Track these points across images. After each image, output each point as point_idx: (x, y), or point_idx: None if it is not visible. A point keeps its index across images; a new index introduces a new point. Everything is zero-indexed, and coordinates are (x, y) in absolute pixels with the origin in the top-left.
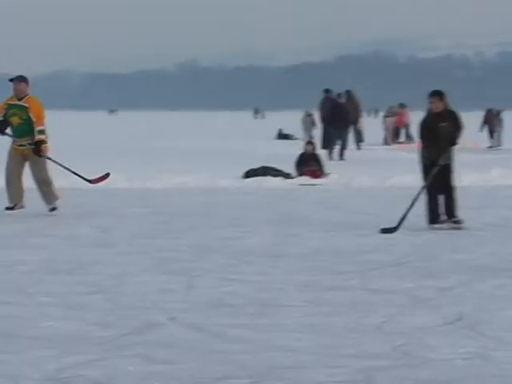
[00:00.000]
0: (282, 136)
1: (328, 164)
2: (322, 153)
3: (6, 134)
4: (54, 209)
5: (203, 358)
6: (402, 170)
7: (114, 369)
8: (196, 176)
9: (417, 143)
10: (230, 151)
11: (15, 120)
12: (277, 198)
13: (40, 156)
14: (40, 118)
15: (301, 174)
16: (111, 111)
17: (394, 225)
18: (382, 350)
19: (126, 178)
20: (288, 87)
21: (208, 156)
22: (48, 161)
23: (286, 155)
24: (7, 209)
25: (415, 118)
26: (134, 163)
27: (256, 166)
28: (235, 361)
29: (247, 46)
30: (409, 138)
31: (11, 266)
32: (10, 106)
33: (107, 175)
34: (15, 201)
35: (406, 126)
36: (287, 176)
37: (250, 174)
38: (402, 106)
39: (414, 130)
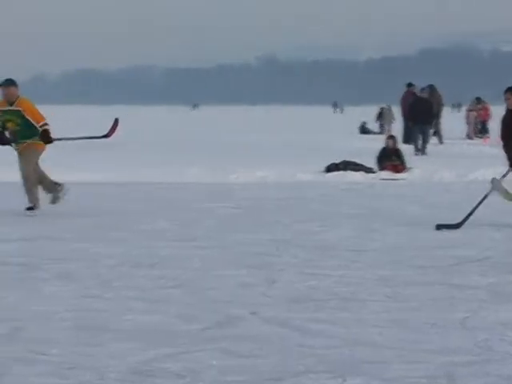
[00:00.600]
0: (365, 130)
1: (410, 158)
2: (403, 147)
3: (6, 143)
4: (30, 208)
5: (285, 353)
6: (484, 165)
7: (196, 362)
8: (276, 170)
9: (495, 138)
10: (310, 145)
11: (11, 126)
12: (358, 193)
13: (50, 141)
14: (38, 118)
15: (382, 168)
16: (194, 106)
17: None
18: (463, 346)
19: (207, 172)
20: (368, 81)
21: (288, 150)
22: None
23: (367, 149)
24: (28, 209)
25: (497, 113)
26: (215, 158)
27: (337, 160)
28: (316, 355)
29: (326, 40)
30: (484, 132)
31: (94, 260)
32: (3, 113)
33: (116, 122)
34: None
35: (485, 121)
36: (368, 170)
37: (330, 168)
38: (478, 100)
39: (495, 125)
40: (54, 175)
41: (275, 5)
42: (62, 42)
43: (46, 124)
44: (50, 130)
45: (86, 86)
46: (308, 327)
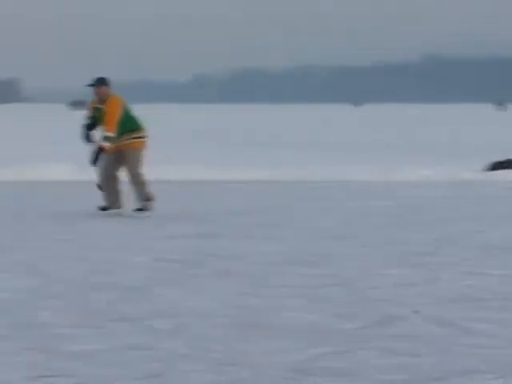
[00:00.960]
0: None
1: None
2: None
3: (92, 141)
4: (141, 210)
5: (447, 352)
6: None
7: (356, 361)
8: (439, 168)
9: None
10: (471, 143)
11: (101, 124)
12: None
13: (93, 158)
14: (110, 124)
15: None
16: (356, 104)
17: None
18: None
19: (369, 170)
20: None
21: (446, 148)
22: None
23: None
24: (102, 209)
25: None
26: (376, 156)
27: (501, 158)
28: (479, 355)
29: (491, 36)
30: None
31: (254, 257)
32: (95, 110)
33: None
34: (110, 203)
35: None
36: None
37: (495, 166)
38: None
39: None
40: (210, 174)
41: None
42: (226, 42)
43: (107, 137)
44: (106, 147)
45: (251, 85)
46: (469, 327)
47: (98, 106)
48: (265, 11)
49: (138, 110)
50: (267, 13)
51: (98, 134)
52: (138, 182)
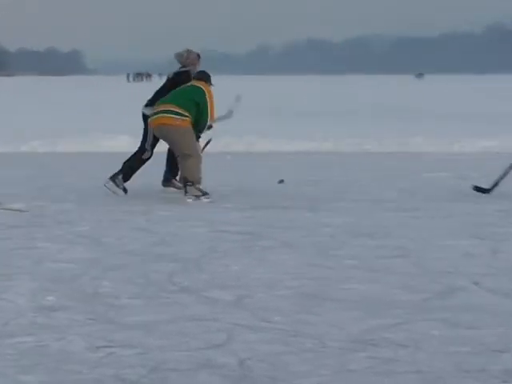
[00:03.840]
0: None
1: None
2: None
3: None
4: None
5: (509, 324)
6: None
7: (418, 333)
8: (503, 139)
9: None
10: None
11: None
12: None
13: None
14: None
15: None
16: (418, 75)
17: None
18: None
19: (431, 141)
20: None
21: (509, 120)
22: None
23: None
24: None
25: None
26: (439, 127)
27: None
28: None
29: None
30: None
31: (316, 228)
32: None
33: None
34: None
35: None
36: None
37: None
38: None
39: None
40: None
41: None
42: (288, 12)
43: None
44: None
45: (314, 56)
46: None
47: None
48: None
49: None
50: None
51: None
52: None
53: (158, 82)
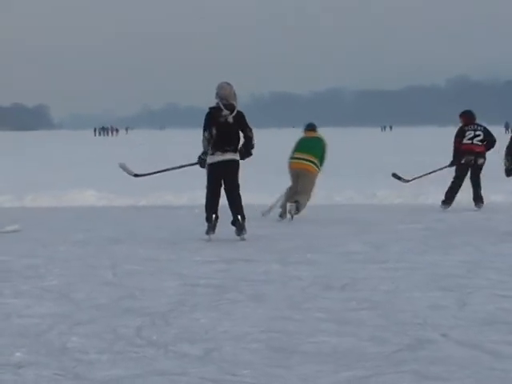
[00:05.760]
0: None
1: None
2: None
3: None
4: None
5: (478, 376)
6: None
7: None
8: (466, 192)
9: None
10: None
11: None
12: None
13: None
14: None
15: None
16: (384, 128)
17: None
18: None
19: (397, 194)
20: None
21: None
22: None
23: None
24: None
25: None
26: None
27: None
28: (510, 379)
29: None
30: None
31: (286, 281)
32: None
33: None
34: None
35: None
36: None
37: None
38: None
39: None
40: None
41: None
42: (253, 68)
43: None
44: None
45: (279, 109)
46: (501, 350)
47: None
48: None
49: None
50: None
51: None
52: None
53: (125, 137)
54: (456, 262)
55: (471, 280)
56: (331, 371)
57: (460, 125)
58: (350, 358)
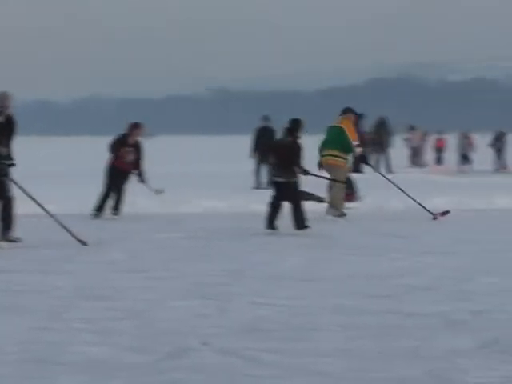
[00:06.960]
0: None
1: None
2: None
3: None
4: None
5: (232, 382)
6: (433, 193)
7: None
8: (230, 201)
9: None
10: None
11: None
12: (311, 222)
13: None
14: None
15: None
16: (147, 136)
17: None
18: (414, 374)
19: (159, 203)
20: (318, 111)
21: (243, 180)
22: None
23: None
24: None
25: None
26: (167, 188)
27: None
28: None
29: (275, 71)
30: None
31: (45, 291)
32: None
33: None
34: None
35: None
36: (320, 200)
37: None
38: (412, 128)
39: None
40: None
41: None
42: (15, 74)
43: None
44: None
45: (38, 118)
46: (259, 357)
47: None
48: (60, 43)
49: None
50: (61, 43)
51: None
52: None
53: None
54: (218, 271)
55: (231, 287)
56: (89, 382)
57: None
58: (109, 368)
